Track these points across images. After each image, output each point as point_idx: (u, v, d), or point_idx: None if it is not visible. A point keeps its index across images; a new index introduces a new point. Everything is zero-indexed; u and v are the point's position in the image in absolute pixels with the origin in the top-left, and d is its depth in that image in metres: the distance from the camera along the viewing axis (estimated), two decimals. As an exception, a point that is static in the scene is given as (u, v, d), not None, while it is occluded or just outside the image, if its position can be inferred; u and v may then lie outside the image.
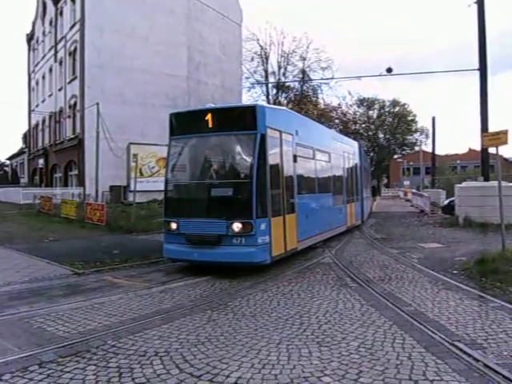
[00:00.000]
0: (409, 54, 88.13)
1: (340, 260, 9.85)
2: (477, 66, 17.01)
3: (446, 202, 22.59)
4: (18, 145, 63.92)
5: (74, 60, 30.30)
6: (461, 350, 4.44)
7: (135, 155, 18.93)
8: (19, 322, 5.60)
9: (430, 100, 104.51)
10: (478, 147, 20.59)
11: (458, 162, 65.27)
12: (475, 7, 16.80)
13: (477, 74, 17.00)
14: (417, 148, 61.91)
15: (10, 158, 56.43)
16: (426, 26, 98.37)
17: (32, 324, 5.51)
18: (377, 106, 67.34)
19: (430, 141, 45.47)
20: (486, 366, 4.06)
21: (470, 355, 4.29)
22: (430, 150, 42.49)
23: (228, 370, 4.10)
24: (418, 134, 68.09)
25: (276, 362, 4.27)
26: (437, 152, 41.22)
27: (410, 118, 67.97)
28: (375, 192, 42.96)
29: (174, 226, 8.69)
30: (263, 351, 4.54)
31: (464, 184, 17.78)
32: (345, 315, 5.73)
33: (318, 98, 48.51)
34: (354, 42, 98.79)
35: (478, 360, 4.18)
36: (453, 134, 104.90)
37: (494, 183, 11.83)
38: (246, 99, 43.00)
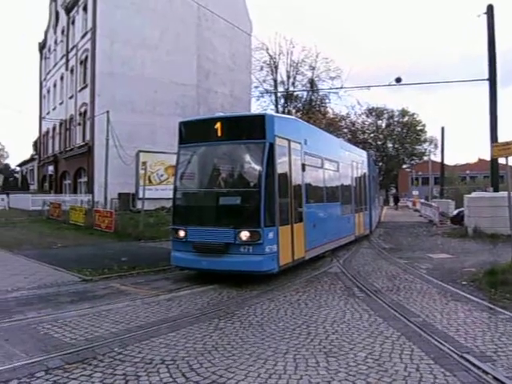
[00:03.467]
0: (419, 63, 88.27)
1: (348, 270, 9.79)
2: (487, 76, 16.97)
3: (455, 212, 22.39)
4: (28, 152, 64.68)
5: (85, 68, 30.69)
6: (470, 362, 4.37)
7: (144, 163, 18.99)
8: (26, 327, 5.62)
9: (440, 109, 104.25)
10: (488, 157, 20.46)
11: (468, 172, 65.05)
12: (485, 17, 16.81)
13: (487, 83, 16.96)
14: (426, 158, 61.68)
15: (21, 165, 57.05)
16: (438, 35, 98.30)
17: (39, 330, 5.52)
18: (386, 116, 67.11)
19: (439, 151, 45.47)
20: (495, 378, 4.00)
21: (479, 368, 4.23)
22: (439, 159, 42.39)
23: (234, 380, 4.07)
24: (427, 143, 67.80)
25: (283, 371, 4.24)
26: (446, 162, 41.26)
27: (419, 128, 67.68)
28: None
29: (181, 233, 8.69)
30: (270, 361, 4.51)
31: (474, 194, 17.63)
32: (352, 325, 5.69)
33: (326, 107, 48.64)
34: (364, 51, 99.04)
35: (487, 373, 4.12)
36: (463, 144, 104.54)
37: (504, 194, 11.73)
38: (255, 108, 43.23)
